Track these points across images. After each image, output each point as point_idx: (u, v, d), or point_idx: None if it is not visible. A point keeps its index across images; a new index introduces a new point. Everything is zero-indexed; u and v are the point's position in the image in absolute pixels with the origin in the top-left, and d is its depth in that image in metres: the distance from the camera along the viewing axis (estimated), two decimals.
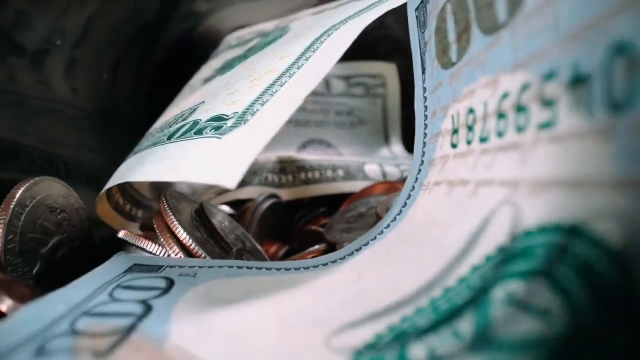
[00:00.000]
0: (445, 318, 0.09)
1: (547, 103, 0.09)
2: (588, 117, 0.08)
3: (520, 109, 0.10)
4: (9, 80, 0.30)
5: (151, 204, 0.31)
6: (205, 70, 0.28)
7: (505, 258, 0.09)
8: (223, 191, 0.31)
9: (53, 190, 0.21)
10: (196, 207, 0.23)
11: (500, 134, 0.11)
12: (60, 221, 0.21)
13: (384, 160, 0.37)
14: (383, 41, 0.25)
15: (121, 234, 0.23)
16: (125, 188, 0.28)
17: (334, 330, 0.10)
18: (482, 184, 0.12)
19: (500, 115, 0.11)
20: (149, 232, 0.26)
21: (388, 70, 0.41)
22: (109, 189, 0.23)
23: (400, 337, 0.09)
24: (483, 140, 0.12)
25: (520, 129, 0.10)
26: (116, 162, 0.33)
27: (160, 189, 0.32)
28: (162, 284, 0.14)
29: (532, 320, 0.07)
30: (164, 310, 0.12)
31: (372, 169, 0.35)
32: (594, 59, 0.08)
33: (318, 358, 0.09)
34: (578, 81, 0.08)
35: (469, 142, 0.13)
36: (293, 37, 0.21)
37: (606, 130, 0.07)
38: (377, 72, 0.42)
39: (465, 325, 0.09)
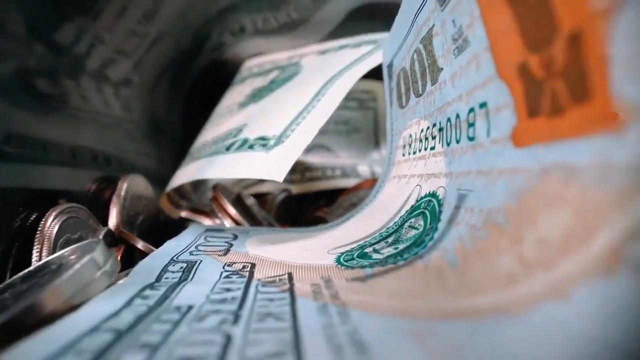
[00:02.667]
0: (383, 238, 0.21)
1: (433, 137, 0.21)
2: (443, 146, 0.20)
3: (425, 138, 0.22)
4: (84, 101, 0.41)
5: (190, 196, 0.43)
6: (237, 95, 0.39)
7: (412, 210, 0.21)
8: (247, 185, 0.43)
9: (140, 184, 0.33)
10: (234, 195, 0.35)
11: (420, 151, 0.23)
12: (143, 205, 0.33)
13: (374, 162, 0.49)
14: (376, 66, 0.36)
15: (183, 214, 0.34)
16: None
17: (331, 249, 0.22)
18: (411, 177, 0.23)
19: (420, 141, 0.23)
20: (197, 213, 0.38)
21: (378, 88, 0.53)
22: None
23: (362, 247, 0.21)
24: (414, 153, 0.24)
25: (425, 149, 0.22)
26: (164, 164, 0.46)
27: (198, 185, 0.45)
28: (230, 236, 0.26)
29: (414, 231, 0.19)
30: (240, 245, 0.24)
31: (363, 169, 0.46)
32: (444, 122, 0.19)
33: (322, 255, 0.21)
34: (440, 129, 0.20)
35: (409, 154, 0.25)
36: (305, 79, 0.33)
37: (446, 152, 0.19)
38: (369, 89, 0.53)
39: (391, 238, 0.20)
